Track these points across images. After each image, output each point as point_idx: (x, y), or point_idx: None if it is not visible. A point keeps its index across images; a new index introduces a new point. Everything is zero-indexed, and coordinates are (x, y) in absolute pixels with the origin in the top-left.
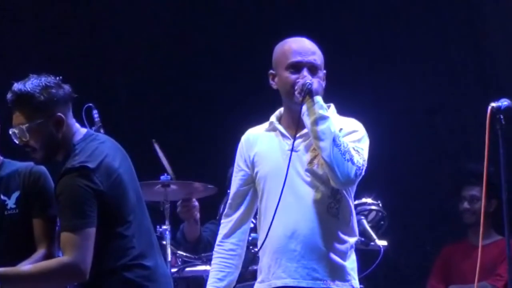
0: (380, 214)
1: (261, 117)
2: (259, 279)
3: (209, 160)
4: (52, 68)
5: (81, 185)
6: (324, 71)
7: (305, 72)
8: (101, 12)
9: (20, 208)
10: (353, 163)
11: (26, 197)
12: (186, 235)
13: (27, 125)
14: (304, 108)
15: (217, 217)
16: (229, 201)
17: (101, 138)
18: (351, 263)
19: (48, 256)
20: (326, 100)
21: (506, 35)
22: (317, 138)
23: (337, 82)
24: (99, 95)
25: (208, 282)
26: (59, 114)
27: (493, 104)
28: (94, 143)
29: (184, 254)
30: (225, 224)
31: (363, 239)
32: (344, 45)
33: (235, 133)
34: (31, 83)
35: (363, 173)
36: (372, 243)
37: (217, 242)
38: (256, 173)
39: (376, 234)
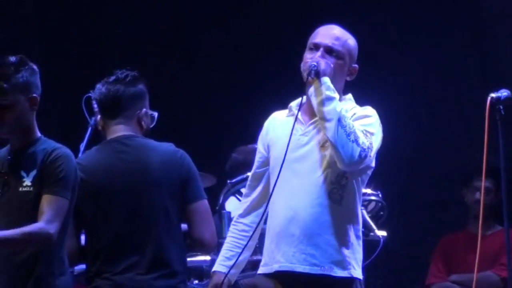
0: (379, 204)
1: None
2: (262, 262)
3: (207, 151)
4: (56, 59)
5: None
6: (354, 66)
7: (318, 53)
8: (110, 2)
9: (35, 188)
10: (358, 144)
11: (41, 176)
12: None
13: None
14: (312, 89)
15: (216, 207)
16: (248, 182)
17: (109, 148)
18: (353, 252)
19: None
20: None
21: (508, 25)
22: (323, 118)
23: None
24: None
25: (217, 260)
26: None
27: (493, 95)
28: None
29: None
30: (242, 204)
31: (362, 229)
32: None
33: (234, 125)
34: None
35: (371, 156)
36: (371, 234)
37: (232, 221)
38: (270, 157)
39: (376, 224)
